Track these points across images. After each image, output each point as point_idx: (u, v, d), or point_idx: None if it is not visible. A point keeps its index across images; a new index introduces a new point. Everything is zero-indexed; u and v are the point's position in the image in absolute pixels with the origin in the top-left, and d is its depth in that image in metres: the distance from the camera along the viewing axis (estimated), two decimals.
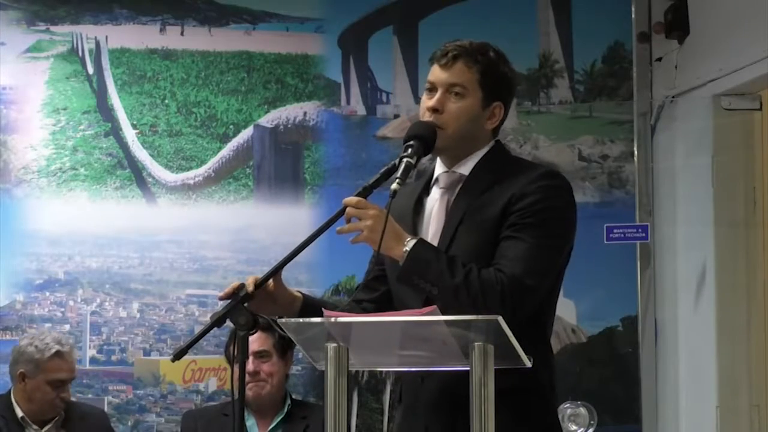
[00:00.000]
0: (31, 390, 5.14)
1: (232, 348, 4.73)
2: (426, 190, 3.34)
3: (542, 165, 3.46)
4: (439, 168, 3.34)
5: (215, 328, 3.01)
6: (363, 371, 6.02)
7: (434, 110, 3.25)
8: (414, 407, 3.26)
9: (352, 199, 3.08)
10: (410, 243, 3.09)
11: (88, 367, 6.04)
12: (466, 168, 3.30)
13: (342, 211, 3.09)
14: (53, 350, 5.13)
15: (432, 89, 3.28)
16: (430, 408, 3.20)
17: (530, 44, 6.43)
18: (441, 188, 3.31)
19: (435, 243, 3.23)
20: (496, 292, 3.07)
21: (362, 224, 3.07)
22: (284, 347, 4.91)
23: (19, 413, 5.13)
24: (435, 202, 3.31)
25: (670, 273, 6.10)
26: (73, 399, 5.61)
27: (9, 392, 5.22)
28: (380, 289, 3.38)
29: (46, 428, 5.16)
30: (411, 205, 3.32)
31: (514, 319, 2.93)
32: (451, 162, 3.31)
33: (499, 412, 2.87)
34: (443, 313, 2.89)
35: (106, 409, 6.00)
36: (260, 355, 4.87)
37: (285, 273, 3.14)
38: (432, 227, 3.28)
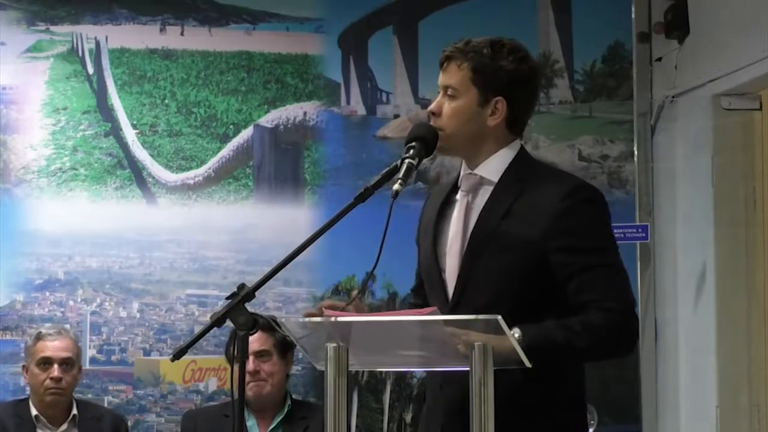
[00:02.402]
0: (31, 380, 5.20)
1: (232, 348, 4.73)
2: (454, 190, 3.31)
3: (570, 174, 3.34)
4: (463, 169, 3.29)
5: (215, 328, 3.01)
6: (363, 371, 6.02)
7: (432, 113, 3.24)
8: (434, 410, 3.26)
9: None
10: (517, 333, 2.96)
11: (88, 367, 6.03)
12: (486, 170, 3.24)
13: (342, 213, 3.08)
14: (36, 334, 5.23)
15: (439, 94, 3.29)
16: (448, 412, 3.18)
17: (530, 44, 6.35)
18: (462, 191, 3.27)
19: (456, 247, 3.22)
20: (623, 336, 3.13)
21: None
22: (285, 347, 4.91)
23: (33, 412, 5.16)
24: (456, 205, 3.28)
25: (670, 273, 6.10)
26: (82, 396, 5.62)
27: (28, 395, 5.29)
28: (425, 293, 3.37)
29: (61, 428, 5.17)
30: (437, 207, 3.29)
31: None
32: (470, 163, 3.26)
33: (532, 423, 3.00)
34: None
35: None
36: (261, 354, 4.87)
37: (285, 273, 3.14)
38: (452, 230, 3.26)
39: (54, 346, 5.17)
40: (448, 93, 3.23)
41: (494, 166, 3.24)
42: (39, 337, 5.20)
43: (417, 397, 6.20)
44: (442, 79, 3.25)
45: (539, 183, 3.20)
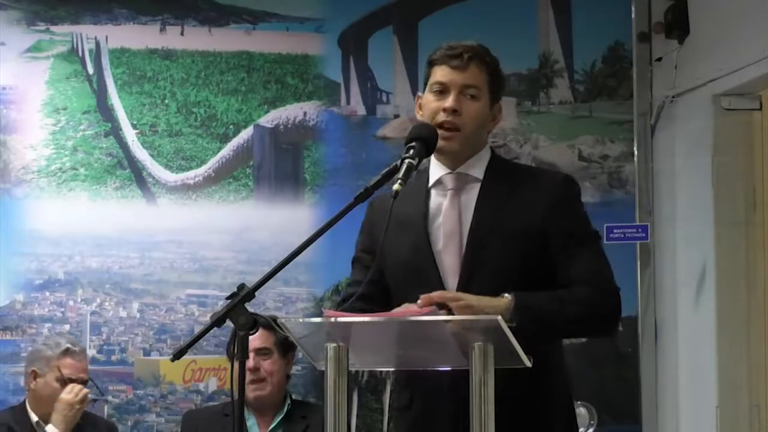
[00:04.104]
0: (41, 388, 5.13)
1: (233, 347, 4.72)
2: (426, 193, 3.33)
3: (550, 170, 3.59)
4: (439, 170, 3.32)
5: (215, 328, 3.01)
6: (363, 371, 6.02)
7: (453, 111, 3.25)
8: (432, 414, 3.25)
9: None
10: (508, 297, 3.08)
11: (88, 367, 6.02)
12: (472, 169, 3.32)
13: (342, 213, 3.08)
14: (63, 347, 5.15)
15: (443, 91, 3.28)
16: (458, 408, 3.18)
17: (530, 44, 6.44)
18: (450, 189, 3.30)
19: (453, 244, 3.24)
20: (608, 312, 3.25)
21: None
22: (286, 347, 4.90)
23: (34, 418, 5.11)
24: (442, 204, 3.30)
25: (670, 273, 6.10)
26: None
27: (24, 400, 5.21)
28: (380, 300, 3.34)
29: None
30: (420, 209, 3.31)
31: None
32: (453, 163, 3.31)
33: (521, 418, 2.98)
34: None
35: (106, 409, 6.00)
36: (261, 352, 4.86)
37: (285, 273, 3.15)
38: (445, 228, 3.28)
39: (78, 367, 5.15)
40: (470, 93, 3.27)
41: (478, 165, 3.33)
42: (67, 352, 5.13)
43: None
44: (460, 77, 3.27)
45: (525, 176, 3.35)
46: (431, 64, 3.33)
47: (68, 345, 5.18)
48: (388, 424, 6.20)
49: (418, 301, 2.99)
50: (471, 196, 3.29)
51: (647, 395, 6.14)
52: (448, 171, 3.31)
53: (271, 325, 4.59)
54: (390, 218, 3.09)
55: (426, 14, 6.49)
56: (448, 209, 3.29)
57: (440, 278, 3.25)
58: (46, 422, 5.11)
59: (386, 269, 3.34)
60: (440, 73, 3.29)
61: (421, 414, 3.32)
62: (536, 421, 3.19)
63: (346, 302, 3.37)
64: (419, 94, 3.41)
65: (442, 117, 3.25)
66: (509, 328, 2.88)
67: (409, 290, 3.26)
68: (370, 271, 3.35)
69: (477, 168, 3.32)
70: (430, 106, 3.29)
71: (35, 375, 5.16)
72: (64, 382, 5.11)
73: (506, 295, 3.06)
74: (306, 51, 6.46)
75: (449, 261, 3.25)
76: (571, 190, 3.33)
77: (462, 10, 6.41)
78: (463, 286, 3.22)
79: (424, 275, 3.27)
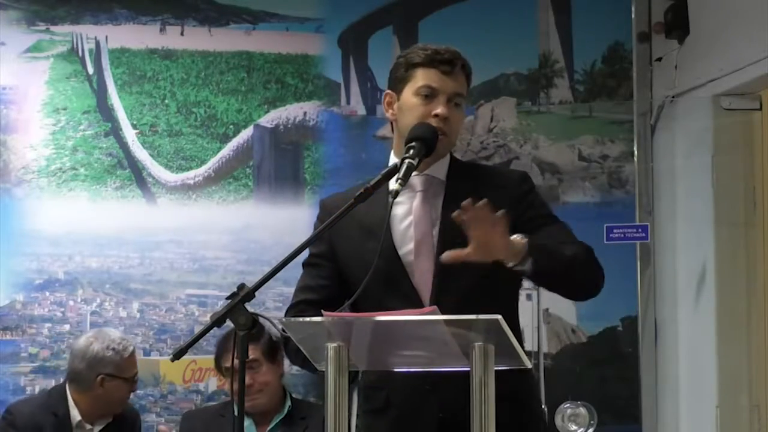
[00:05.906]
0: (111, 392, 5.04)
1: (222, 359, 4.71)
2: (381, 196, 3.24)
3: (507, 168, 3.59)
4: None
5: (215, 328, 3.01)
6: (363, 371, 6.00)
7: (446, 119, 3.25)
8: (416, 415, 3.25)
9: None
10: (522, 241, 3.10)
11: None
12: (438, 171, 3.34)
13: (342, 213, 3.09)
14: (130, 349, 5.11)
15: (432, 95, 3.27)
16: (444, 415, 3.19)
17: (530, 44, 6.43)
18: (420, 191, 3.31)
19: (426, 247, 3.26)
20: (595, 266, 3.28)
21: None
22: (272, 351, 4.87)
23: (76, 417, 5.02)
24: (409, 206, 3.30)
25: (670, 273, 6.10)
26: None
27: (64, 390, 5.07)
28: (335, 306, 3.19)
29: (99, 428, 5.07)
30: (383, 212, 3.22)
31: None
32: (421, 166, 3.27)
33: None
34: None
35: None
36: (251, 366, 4.78)
37: (285, 273, 3.14)
38: (417, 230, 3.28)
39: (136, 362, 5.15)
40: (456, 101, 3.28)
41: (442, 168, 3.35)
42: (132, 352, 5.11)
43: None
44: (452, 85, 3.28)
45: (485, 175, 3.39)
46: (414, 65, 3.30)
47: (131, 346, 5.14)
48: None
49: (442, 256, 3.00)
50: (440, 198, 3.31)
51: (647, 395, 6.14)
52: (415, 173, 3.26)
53: (254, 335, 4.55)
54: (389, 221, 3.09)
55: (426, 14, 6.49)
56: (420, 211, 3.29)
57: (410, 281, 3.26)
58: (92, 420, 5.03)
59: (352, 275, 3.30)
60: (428, 77, 3.27)
61: (400, 416, 3.31)
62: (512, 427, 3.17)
63: (297, 307, 3.39)
64: (387, 91, 3.37)
65: (434, 123, 3.24)
66: (526, 266, 3.02)
67: (379, 295, 3.24)
68: (326, 276, 3.37)
69: (440, 170, 3.34)
70: (417, 109, 3.27)
71: (103, 380, 5.02)
72: (134, 381, 5.12)
73: (517, 236, 3.06)
74: (306, 51, 6.46)
75: (423, 263, 3.26)
76: (530, 185, 3.37)
77: (462, 10, 6.41)
78: (438, 283, 3.23)
79: (393, 279, 3.26)
